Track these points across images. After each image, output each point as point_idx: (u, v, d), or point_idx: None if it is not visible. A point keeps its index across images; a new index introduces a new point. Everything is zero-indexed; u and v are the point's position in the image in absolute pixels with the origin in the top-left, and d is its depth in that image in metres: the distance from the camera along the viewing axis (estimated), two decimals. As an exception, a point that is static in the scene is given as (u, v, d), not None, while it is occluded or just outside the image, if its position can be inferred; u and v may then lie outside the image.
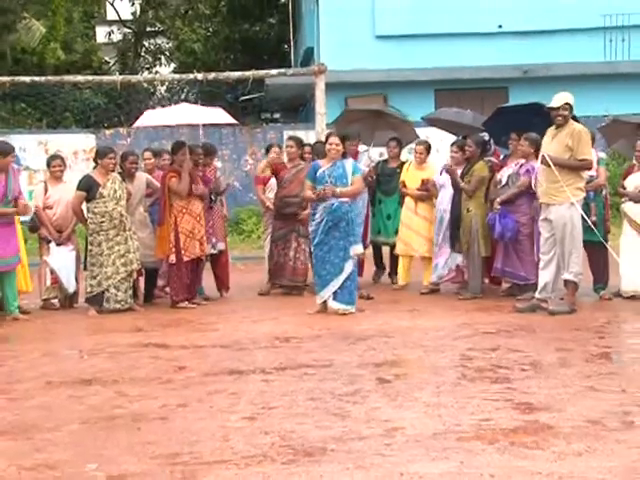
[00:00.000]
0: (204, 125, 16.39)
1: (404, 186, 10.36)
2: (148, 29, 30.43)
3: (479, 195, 9.43)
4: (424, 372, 6.06)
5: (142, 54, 30.36)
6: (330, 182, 8.63)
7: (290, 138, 10.49)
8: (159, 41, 30.72)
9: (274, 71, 14.22)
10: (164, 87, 26.79)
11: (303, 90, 19.53)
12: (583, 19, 19.88)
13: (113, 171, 9.29)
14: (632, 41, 20.10)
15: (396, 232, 10.59)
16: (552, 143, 8.29)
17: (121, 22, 30.19)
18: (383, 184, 10.68)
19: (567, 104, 8.19)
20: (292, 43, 25.43)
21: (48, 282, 9.54)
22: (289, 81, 18.28)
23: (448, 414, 4.88)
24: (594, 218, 8.97)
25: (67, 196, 9.50)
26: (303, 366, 6.23)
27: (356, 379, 5.78)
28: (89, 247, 9.17)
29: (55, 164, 9.75)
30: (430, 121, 11.54)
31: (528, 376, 5.77)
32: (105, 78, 15.94)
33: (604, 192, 9.45)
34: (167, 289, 9.75)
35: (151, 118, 9.77)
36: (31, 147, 17.74)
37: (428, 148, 10.45)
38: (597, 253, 9.23)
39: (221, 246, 10.10)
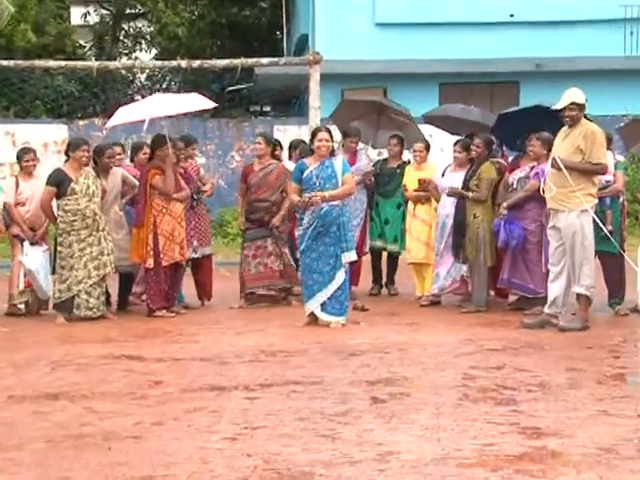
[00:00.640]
0: (185, 114, 16.33)
1: (406, 190, 10.37)
2: (128, 11, 30.38)
3: (486, 199, 9.43)
4: (422, 392, 6.06)
5: (121, 38, 30.30)
6: (318, 184, 8.61)
7: (259, 135, 10.46)
8: (139, 24, 30.66)
9: (265, 60, 14.24)
10: (144, 75, 26.74)
11: (296, 81, 19.54)
12: (602, 10, 19.93)
13: (87, 165, 9.27)
14: (654, 34, 20.21)
15: (395, 239, 10.60)
16: (563, 144, 8.29)
17: (98, 3, 30.14)
18: (381, 185, 10.70)
19: (573, 104, 8.18)
20: (285, 30, 25.43)
21: (21, 285, 9.49)
22: (281, 71, 18.26)
23: (448, 438, 4.88)
24: (610, 227, 9.00)
25: (40, 192, 9.48)
26: (290, 383, 6.22)
27: (348, 398, 5.77)
28: (59, 248, 9.16)
29: (28, 158, 9.74)
30: (430, 119, 11.48)
31: (535, 398, 5.77)
32: (80, 64, 15.93)
33: (621, 199, 9.48)
34: (144, 296, 9.73)
35: (124, 115, 9.73)
36: (-3, 138, 17.72)
37: (427, 147, 10.48)
38: (613, 265, 9.25)
39: (205, 251, 10.09)
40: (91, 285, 9.10)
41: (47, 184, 9.21)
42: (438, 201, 9.96)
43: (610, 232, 8.87)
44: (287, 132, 17.36)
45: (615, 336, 8.05)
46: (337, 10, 20.24)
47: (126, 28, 30.58)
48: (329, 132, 8.82)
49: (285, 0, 24.38)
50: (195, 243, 9.87)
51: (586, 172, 8.17)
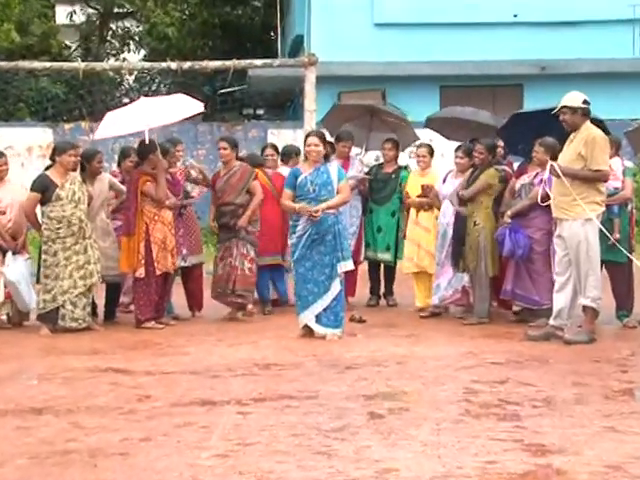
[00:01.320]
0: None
1: (408, 197, 10.38)
2: (115, 10, 30.42)
3: (486, 206, 9.44)
4: (422, 406, 6.06)
5: (108, 38, 30.34)
6: (313, 190, 8.62)
7: (222, 139, 10.30)
8: (128, 24, 30.70)
9: (258, 61, 14.26)
10: (133, 77, 26.76)
11: (291, 84, 19.57)
12: (609, 10, 19.97)
13: (74, 170, 9.27)
14: (664, 35, 20.26)
15: (387, 247, 10.61)
16: (567, 150, 8.31)
17: (85, 1, 30.17)
18: (375, 192, 10.71)
19: (565, 107, 8.19)
20: (279, 30, 25.47)
21: (1, 297, 9.46)
22: (275, 73, 18.31)
23: (448, 455, 4.88)
24: (618, 235, 9.01)
25: (19, 198, 9.47)
26: (285, 397, 6.22)
27: (345, 413, 5.77)
28: (43, 257, 9.15)
29: (1, 162, 9.70)
30: (433, 122, 11.46)
31: (540, 414, 5.78)
32: (65, 65, 15.96)
33: (630, 206, 9.50)
34: (132, 307, 9.72)
35: (113, 126, 9.72)
36: (-22, 142, 17.71)
37: (431, 151, 10.46)
38: (620, 275, 9.27)
39: (195, 259, 10.09)
40: (77, 295, 9.09)
41: (31, 190, 9.19)
42: (439, 209, 9.97)
43: (617, 241, 8.89)
44: (281, 136, 17.38)
45: (623, 349, 8.05)
46: (334, 9, 20.26)
47: (114, 28, 30.60)
48: (320, 136, 8.80)
49: (280, -1, 24.43)
50: (185, 251, 9.86)
51: (587, 179, 8.18)
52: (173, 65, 13.92)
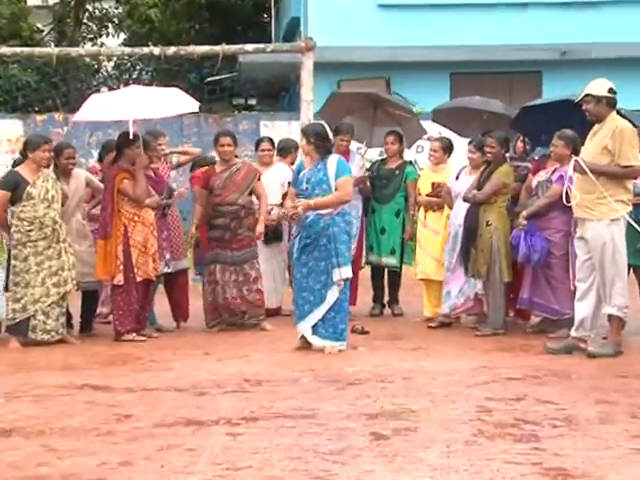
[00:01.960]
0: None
1: (419, 194, 10.38)
2: (93, -10, 30.46)
3: (500, 205, 9.44)
4: (430, 427, 6.06)
5: (84, 21, 30.35)
6: (307, 188, 8.63)
7: (225, 134, 10.26)
8: (106, 5, 30.71)
9: (250, 46, 14.25)
10: (111, 63, 26.76)
11: (286, 71, 19.57)
12: (636, -10, 20.04)
13: (47, 167, 9.27)
14: (697, 17, 20.27)
15: (392, 251, 10.61)
16: (590, 144, 8.30)
17: (59, -20, 30.21)
18: (377, 189, 10.72)
19: (588, 95, 8.19)
20: (273, 12, 25.51)
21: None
22: (268, 59, 18.31)
23: (460, 480, 4.89)
24: (646, 237, 9.02)
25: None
26: (279, 416, 6.22)
27: (345, 434, 5.77)
28: (12, 262, 9.15)
29: None
30: (439, 116, 11.43)
31: (561, 434, 5.78)
32: (37, 50, 15.92)
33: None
34: (110, 317, 9.73)
35: (96, 110, 9.69)
36: (-58, 135, 17.75)
37: (445, 146, 10.41)
38: (651, 281, 9.28)
39: (180, 264, 10.10)
40: (49, 305, 9.09)
41: (1, 189, 9.19)
42: (451, 208, 9.97)
43: (646, 243, 8.90)
44: (275, 129, 17.40)
45: (652, 363, 8.08)
46: (333, -11, 20.29)
47: (90, 9, 30.60)
48: (318, 133, 8.75)
49: (273, -23, 24.49)
50: (167, 256, 9.86)
51: (615, 176, 8.18)
52: (156, 50, 13.90)
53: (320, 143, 8.70)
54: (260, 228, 9.88)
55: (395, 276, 10.90)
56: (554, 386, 7.16)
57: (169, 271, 9.93)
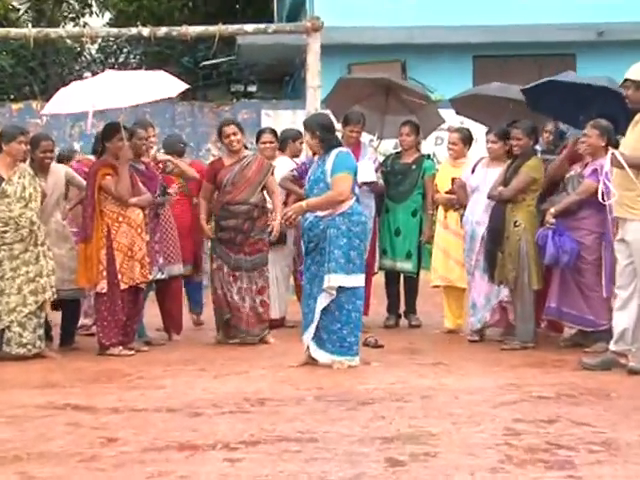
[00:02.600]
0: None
1: (437, 191, 10.38)
2: (74, -36, 30.52)
3: (529, 203, 9.44)
4: (452, 452, 6.05)
5: (65, -1, 30.45)
6: (307, 188, 8.69)
7: (230, 123, 10.26)
8: (89, -19, 30.81)
9: (249, 26, 14.25)
10: (95, 46, 26.82)
11: (290, 54, 19.60)
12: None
13: (23, 161, 9.28)
14: None
15: (409, 255, 10.59)
16: (631, 135, 8.29)
17: (37, -46, 30.27)
18: (392, 186, 10.71)
19: (628, 80, 8.16)
20: (275, -12, 25.57)
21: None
22: (270, 41, 18.34)
23: (486, 512, 4.88)
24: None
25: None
26: (283, 440, 6.22)
27: (357, 459, 5.76)
28: (-15, 267, 9.17)
29: None
30: (458, 105, 11.37)
31: (599, 460, 5.76)
32: (13, 31, 15.95)
33: None
34: (94, 329, 9.73)
35: (65, 102, 9.69)
36: None
37: (465, 138, 10.41)
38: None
39: (173, 270, 10.09)
40: (26, 315, 9.10)
41: (-28, 185, 9.21)
42: (465, 204, 9.93)
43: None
44: (278, 118, 17.39)
45: (701, 380, 8.06)
46: (342, -37, 20.30)
47: (72, -14, 30.68)
48: (321, 125, 8.75)
49: (275, -50, 24.52)
50: (161, 260, 9.86)
51: (658, 171, 8.17)
52: (145, 31, 13.91)
53: (326, 136, 8.65)
54: (276, 234, 9.83)
55: (412, 283, 10.89)
56: (591, 406, 7.15)
57: (162, 277, 9.90)
